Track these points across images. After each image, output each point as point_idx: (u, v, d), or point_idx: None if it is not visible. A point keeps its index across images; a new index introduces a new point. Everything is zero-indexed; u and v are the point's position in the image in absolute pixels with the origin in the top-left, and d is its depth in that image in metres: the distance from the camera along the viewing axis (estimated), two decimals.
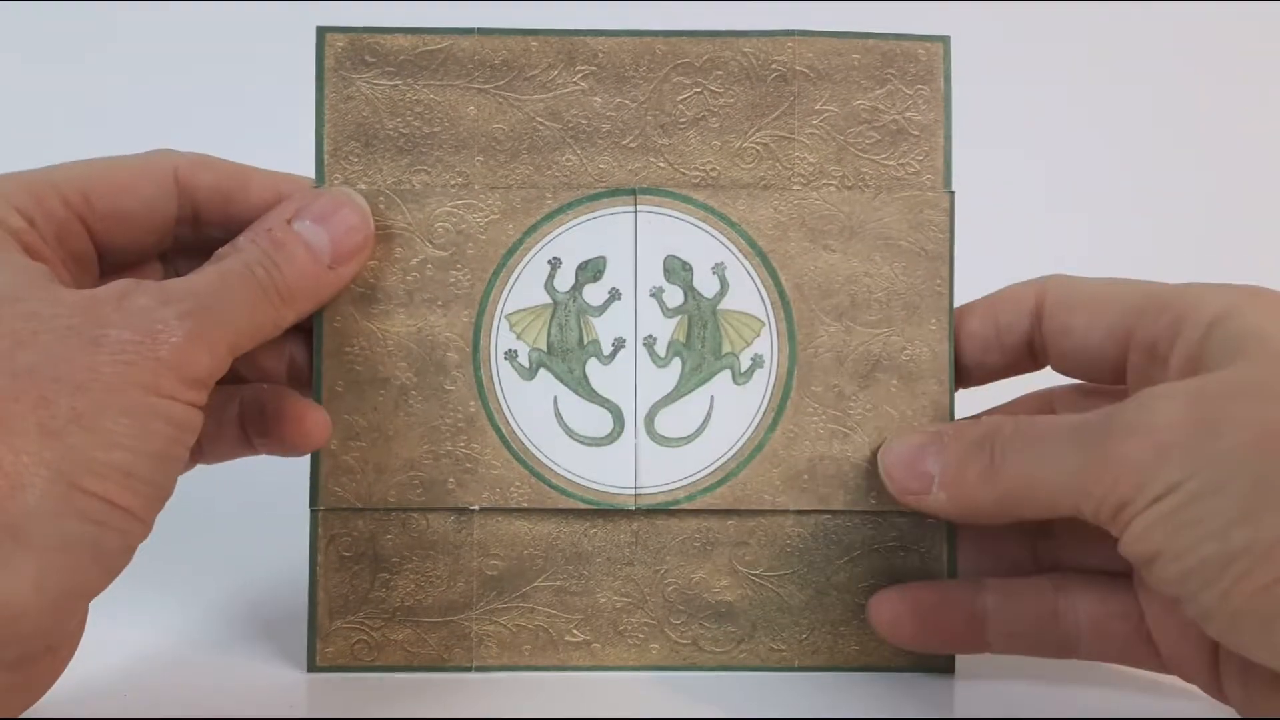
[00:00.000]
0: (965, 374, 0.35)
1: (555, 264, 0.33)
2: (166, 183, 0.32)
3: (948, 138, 0.33)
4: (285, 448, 0.33)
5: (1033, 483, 0.29)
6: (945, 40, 0.33)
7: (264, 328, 0.30)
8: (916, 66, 0.33)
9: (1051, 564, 0.34)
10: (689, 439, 0.33)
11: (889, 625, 0.33)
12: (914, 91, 0.33)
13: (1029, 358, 0.34)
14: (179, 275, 0.34)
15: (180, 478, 0.28)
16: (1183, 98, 0.64)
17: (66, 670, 0.30)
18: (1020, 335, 0.34)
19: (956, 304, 0.34)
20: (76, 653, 0.32)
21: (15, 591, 0.25)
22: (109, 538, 0.26)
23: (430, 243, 0.33)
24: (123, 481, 0.26)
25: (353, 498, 0.33)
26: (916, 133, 0.33)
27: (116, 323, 0.27)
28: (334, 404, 0.33)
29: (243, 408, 0.34)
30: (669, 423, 0.33)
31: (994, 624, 0.33)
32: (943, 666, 0.34)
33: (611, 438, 0.33)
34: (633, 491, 0.33)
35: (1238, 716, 0.30)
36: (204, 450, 0.34)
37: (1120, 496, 0.27)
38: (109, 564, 0.26)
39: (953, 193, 0.34)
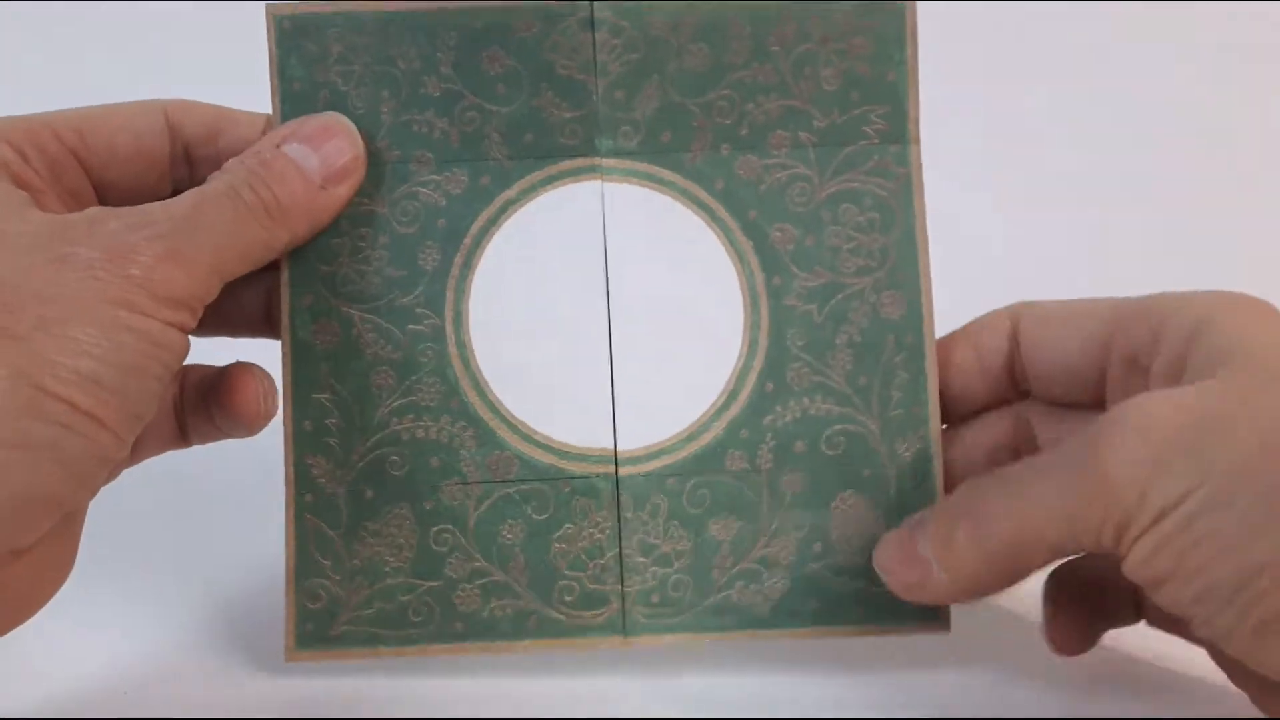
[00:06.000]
0: (952, 408, 0.34)
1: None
2: (157, 120, 0.33)
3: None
4: (231, 420, 0.33)
5: (1023, 529, 0.27)
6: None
7: (253, 248, 0.30)
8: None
9: None
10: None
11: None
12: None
13: (1010, 385, 0.34)
14: None
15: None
16: (1174, 93, 0.64)
17: (63, 668, 0.31)
18: (1001, 359, 0.34)
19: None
20: (65, 648, 0.33)
21: None
22: (73, 442, 0.26)
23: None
24: (88, 388, 0.26)
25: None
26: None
27: (85, 242, 0.27)
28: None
29: (184, 390, 0.34)
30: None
31: None
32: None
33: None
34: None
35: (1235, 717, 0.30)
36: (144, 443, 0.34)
37: (1120, 516, 0.25)
38: (75, 470, 0.27)
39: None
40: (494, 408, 0.33)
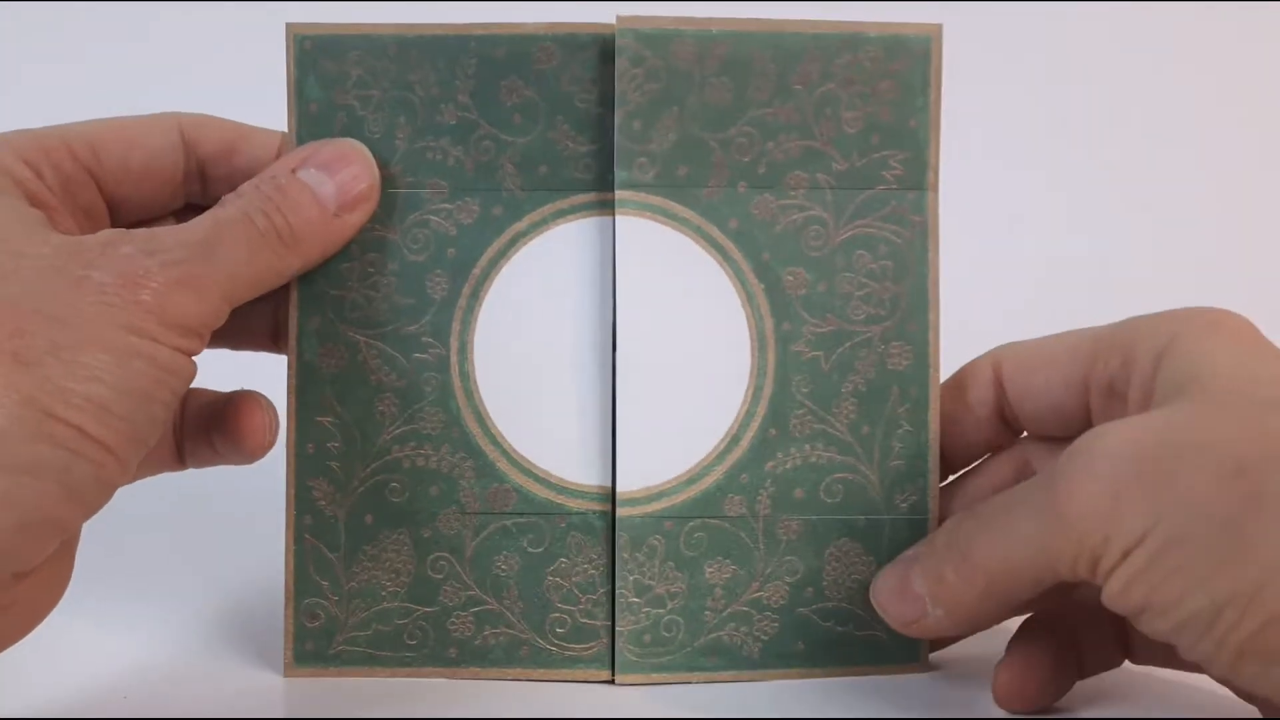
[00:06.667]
0: (952, 459, 0.34)
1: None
2: (172, 136, 0.33)
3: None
4: (234, 449, 0.34)
5: (1005, 563, 0.28)
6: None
7: (265, 275, 0.30)
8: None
9: None
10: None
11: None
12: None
13: (1005, 429, 0.34)
14: None
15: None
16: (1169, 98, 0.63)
17: (64, 672, 0.31)
18: (990, 408, 0.34)
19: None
20: (68, 657, 0.33)
21: None
22: (80, 467, 0.26)
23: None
24: (97, 414, 0.26)
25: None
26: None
27: (99, 266, 0.27)
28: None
29: (185, 414, 0.34)
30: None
31: None
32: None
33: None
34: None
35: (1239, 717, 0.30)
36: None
37: (1091, 551, 0.26)
38: (80, 496, 0.27)
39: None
40: (495, 439, 0.33)
